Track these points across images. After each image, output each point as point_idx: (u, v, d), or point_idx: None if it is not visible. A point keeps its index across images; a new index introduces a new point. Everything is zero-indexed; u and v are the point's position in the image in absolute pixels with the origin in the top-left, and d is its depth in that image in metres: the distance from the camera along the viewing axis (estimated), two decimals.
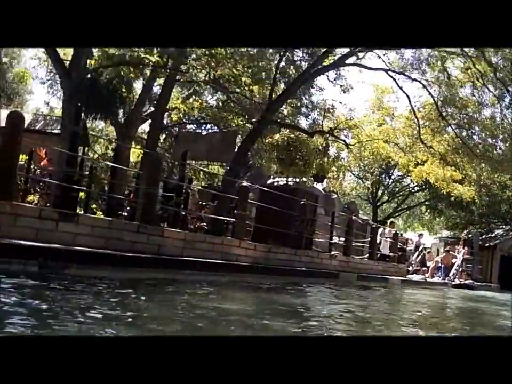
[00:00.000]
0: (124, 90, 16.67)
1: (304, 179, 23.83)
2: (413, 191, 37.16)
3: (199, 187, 21.30)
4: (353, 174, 36.06)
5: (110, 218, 7.80)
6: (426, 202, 37.41)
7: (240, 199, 10.74)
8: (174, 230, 8.66)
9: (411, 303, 9.88)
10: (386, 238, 19.15)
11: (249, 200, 14.18)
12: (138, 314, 3.89)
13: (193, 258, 7.87)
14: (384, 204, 39.53)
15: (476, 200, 28.86)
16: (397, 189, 37.95)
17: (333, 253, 14.81)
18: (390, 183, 37.12)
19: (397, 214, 40.32)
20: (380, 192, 37.21)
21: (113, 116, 17.32)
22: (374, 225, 18.11)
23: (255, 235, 13.20)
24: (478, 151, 23.03)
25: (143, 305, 4.47)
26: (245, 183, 11.39)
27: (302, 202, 13.12)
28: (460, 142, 22.86)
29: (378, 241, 18.63)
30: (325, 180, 26.01)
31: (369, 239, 17.49)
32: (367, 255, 16.95)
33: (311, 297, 7.69)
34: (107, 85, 16.00)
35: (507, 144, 24.98)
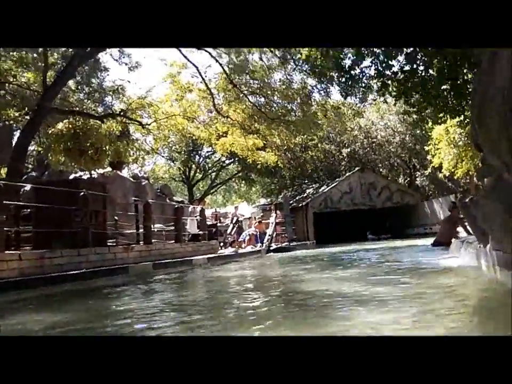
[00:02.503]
0: None
1: (108, 169, 22.25)
2: (224, 165, 37.25)
3: None
4: (163, 157, 35.02)
5: None
6: (238, 174, 37.74)
7: None
8: None
9: (194, 286, 8.90)
10: (195, 216, 18.33)
11: (22, 203, 12.39)
12: None
13: None
14: (200, 182, 39.19)
15: (280, 165, 29.49)
16: (210, 165, 37.76)
17: (134, 245, 13.59)
18: (200, 161, 36.72)
19: (213, 191, 40.32)
20: (192, 171, 36.67)
21: None
22: (177, 206, 17.09)
23: (36, 241, 11.45)
24: (276, 117, 23.31)
25: None
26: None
27: (82, 193, 11.55)
28: (257, 109, 22.92)
29: (188, 221, 17.82)
30: (126, 166, 24.58)
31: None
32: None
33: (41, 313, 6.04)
34: None
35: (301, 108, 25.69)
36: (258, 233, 21.43)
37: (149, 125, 21.44)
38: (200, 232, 17.33)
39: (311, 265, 11.55)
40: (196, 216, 17.90)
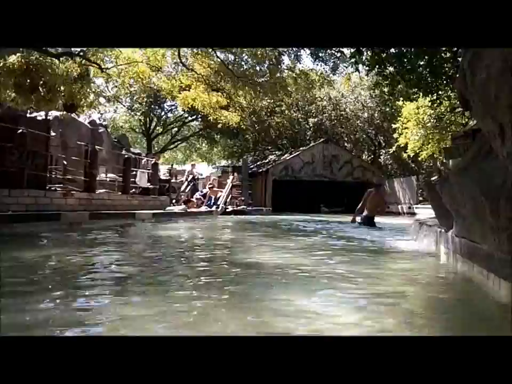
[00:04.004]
0: None
1: (64, 112, 20.97)
2: (186, 121, 35.93)
3: None
4: (123, 106, 33.51)
5: None
6: (200, 132, 36.50)
7: None
8: None
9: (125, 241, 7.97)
10: (147, 169, 17.37)
11: None
12: None
13: None
14: (160, 136, 37.88)
15: (243, 126, 28.57)
16: (171, 120, 36.39)
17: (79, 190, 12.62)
18: (162, 114, 35.29)
19: (173, 146, 39.06)
20: (153, 124, 35.29)
21: None
22: (127, 156, 16.12)
23: None
24: (243, 76, 22.35)
25: None
26: None
27: (20, 131, 10.57)
28: (224, 65, 21.89)
29: (138, 174, 16.87)
30: (84, 112, 23.20)
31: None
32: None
33: None
34: None
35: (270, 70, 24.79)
36: (212, 198, 20.71)
37: (109, 69, 20.09)
38: (151, 186, 16.43)
39: (257, 231, 10.93)
40: (148, 169, 16.97)
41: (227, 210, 20.28)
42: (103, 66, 19.95)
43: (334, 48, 13.99)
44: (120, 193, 14.64)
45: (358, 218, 13.05)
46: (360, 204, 13.18)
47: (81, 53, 19.17)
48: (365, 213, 12.83)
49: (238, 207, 22.06)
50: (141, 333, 2.45)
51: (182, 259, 5.53)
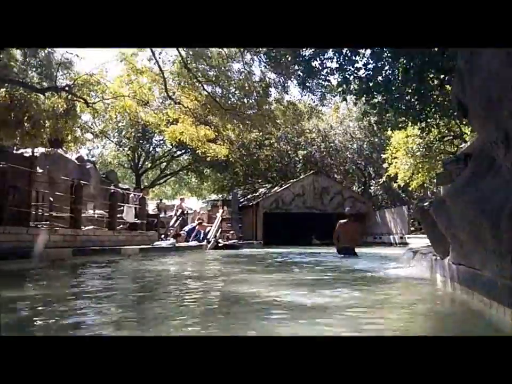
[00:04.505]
0: None
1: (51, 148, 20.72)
2: (175, 155, 35.72)
3: None
4: (111, 141, 33.31)
5: None
6: (189, 167, 36.23)
7: None
8: None
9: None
10: (135, 204, 16.98)
11: None
12: None
13: None
14: (149, 171, 37.59)
15: (231, 159, 28.40)
16: (160, 155, 36.17)
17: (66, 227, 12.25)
18: (150, 149, 35.07)
19: (162, 181, 38.76)
20: (141, 159, 35.03)
21: None
22: (113, 190, 15.77)
23: None
24: (231, 108, 22.26)
25: None
26: None
27: (1, 166, 10.28)
28: (211, 98, 21.82)
29: (125, 209, 16.48)
30: (71, 148, 22.92)
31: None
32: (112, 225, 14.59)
33: None
34: None
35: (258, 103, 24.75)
36: (202, 232, 20.33)
37: (95, 103, 19.90)
38: (138, 221, 16.06)
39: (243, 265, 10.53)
40: (135, 204, 16.60)
41: (219, 244, 19.85)
42: (89, 101, 19.77)
43: (320, 78, 13.88)
44: (106, 229, 14.26)
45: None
46: (336, 236, 13.06)
47: (67, 88, 19.03)
48: (344, 244, 12.68)
49: (229, 241, 21.67)
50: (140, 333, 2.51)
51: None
